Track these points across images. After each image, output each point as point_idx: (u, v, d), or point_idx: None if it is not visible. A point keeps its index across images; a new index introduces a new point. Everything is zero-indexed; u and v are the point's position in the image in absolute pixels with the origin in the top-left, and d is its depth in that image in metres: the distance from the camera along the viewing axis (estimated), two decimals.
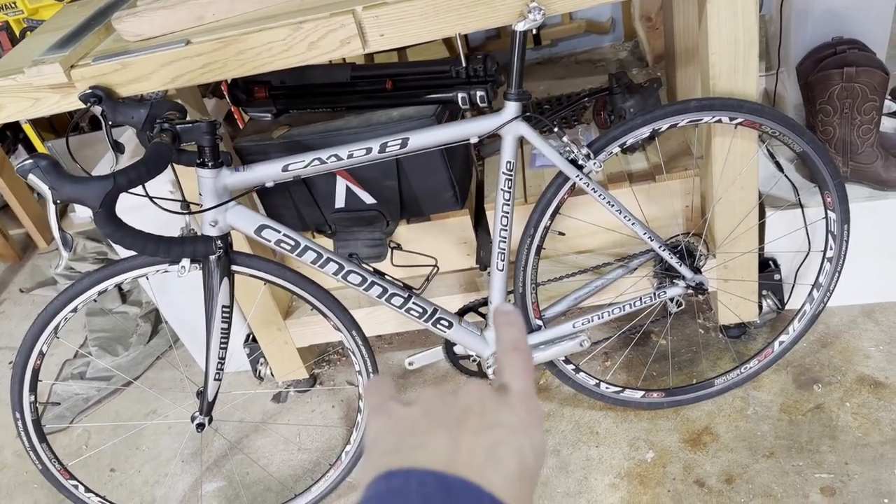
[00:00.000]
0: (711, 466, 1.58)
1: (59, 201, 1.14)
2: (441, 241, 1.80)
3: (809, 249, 1.71)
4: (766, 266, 1.76)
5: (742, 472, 1.56)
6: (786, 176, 1.76)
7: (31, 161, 1.13)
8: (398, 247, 1.77)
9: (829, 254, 1.59)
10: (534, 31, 1.31)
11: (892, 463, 1.50)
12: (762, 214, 1.70)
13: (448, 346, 1.60)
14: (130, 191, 1.19)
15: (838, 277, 1.60)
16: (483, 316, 1.60)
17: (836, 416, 1.61)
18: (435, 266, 1.66)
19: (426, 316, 1.49)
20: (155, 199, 1.31)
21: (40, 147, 3.03)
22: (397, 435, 0.41)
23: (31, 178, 1.13)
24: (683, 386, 1.72)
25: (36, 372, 1.50)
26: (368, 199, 1.70)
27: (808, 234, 1.70)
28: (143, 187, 1.24)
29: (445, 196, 1.70)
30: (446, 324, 1.51)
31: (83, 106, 1.33)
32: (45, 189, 1.13)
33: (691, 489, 1.55)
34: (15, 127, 3.19)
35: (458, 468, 0.37)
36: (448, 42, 2.73)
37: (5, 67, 1.43)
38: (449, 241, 1.80)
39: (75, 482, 1.64)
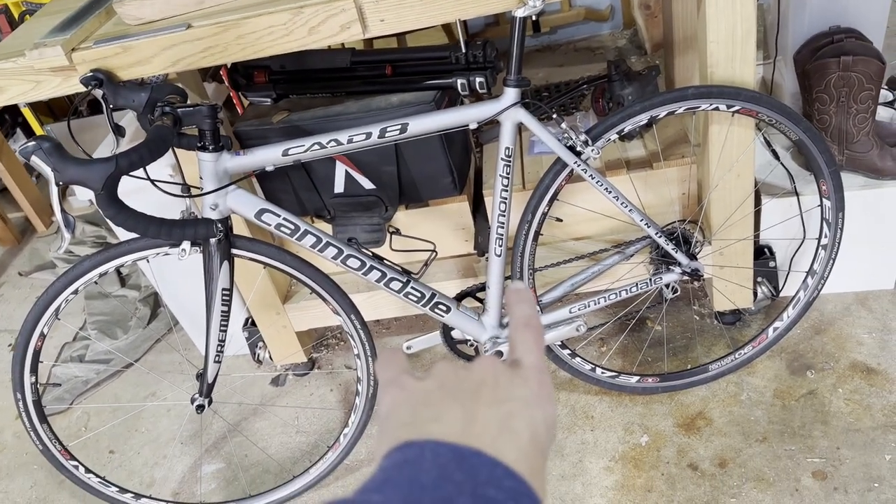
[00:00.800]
0: (705, 450, 1.61)
1: (61, 183, 1.15)
2: (439, 226, 1.81)
3: (804, 237, 1.73)
4: (762, 253, 1.78)
5: (735, 457, 1.58)
6: (782, 164, 1.78)
7: (33, 143, 1.14)
8: (397, 232, 1.78)
9: (824, 241, 1.60)
10: (533, 18, 1.32)
11: (882, 448, 1.52)
12: (758, 202, 1.71)
13: (446, 330, 1.62)
14: (132, 174, 1.20)
15: (832, 265, 1.62)
16: (481, 301, 1.61)
17: (828, 402, 1.64)
18: (433, 251, 1.67)
19: (424, 300, 1.50)
20: (156, 182, 1.32)
21: (39, 131, 3.03)
22: (411, 407, 0.41)
23: (34, 159, 1.13)
24: (678, 371, 1.74)
25: (37, 353, 1.51)
26: (367, 184, 1.71)
27: (803, 221, 1.71)
28: (145, 170, 1.25)
29: (444, 182, 1.71)
30: (444, 308, 1.52)
31: (84, 89, 1.34)
32: (47, 171, 1.14)
33: (685, 473, 1.57)
34: (13, 111, 3.19)
35: (472, 439, 0.37)
36: (447, 28, 2.73)
37: (6, 50, 1.43)
38: (447, 227, 1.82)
39: (75, 463, 1.66)
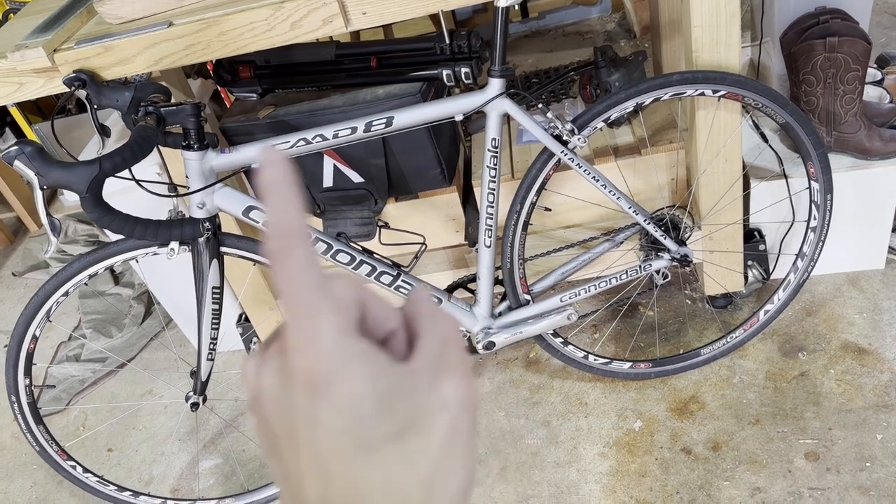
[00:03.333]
0: (698, 434, 1.62)
1: (45, 187, 1.15)
2: (429, 218, 1.81)
3: (794, 220, 1.73)
4: (751, 237, 1.78)
5: (728, 440, 1.59)
6: (770, 147, 1.78)
7: (16, 147, 1.13)
8: (386, 225, 1.78)
9: (813, 223, 1.61)
10: (515, 7, 1.31)
11: (874, 428, 1.53)
12: (746, 185, 1.72)
13: None
14: (117, 175, 1.19)
15: (822, 247, 1.62)
16: (472, 292, 1.61)
17: (820, 383, 1.64)
18: (423, 243, 1.67)
19: None
20: (142, 183, 1.32)
21: (28, 130, 3.02)
22: (264, 451, 0.31)
23: (17, 164, 1.13)
24: (670, 356, 1.74)
25: (30, 355, 1.51)
26: (356, 177, 1.71)
27: (792, 204, 1.72)
28: (130, 171, 1.24)
29: (433, 173, 1.71)
30: (436, 301, 1.53)
31: (68, 90, 1.33)
32: (31, 175, 1.14)
33: (678, 457, 1.58)
34: (1, 111, 3.17)
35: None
36: (435, 17, 2.72)
37: None
38: (437, 219, 1.82)
39: (73, 463, 1.66)
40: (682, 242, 1.59)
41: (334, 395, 0.26)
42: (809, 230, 1.62)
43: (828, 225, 1.59)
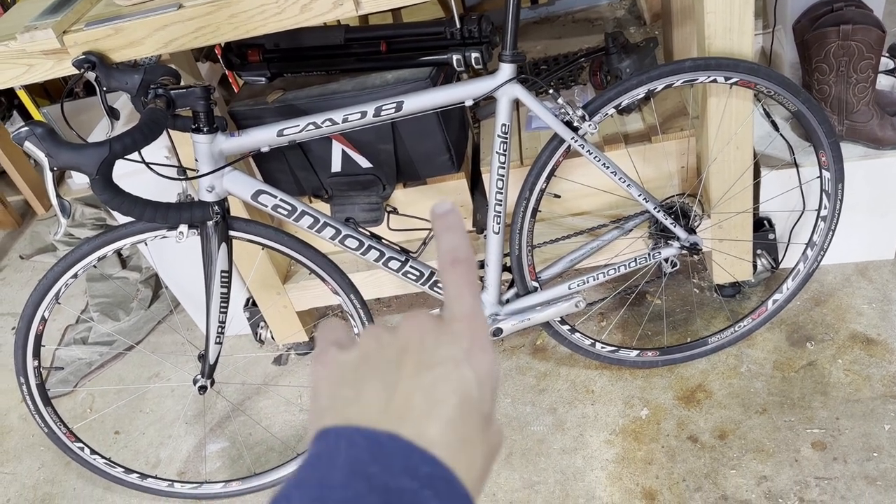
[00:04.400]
0: (705, 423, 1.62)
1: (55, 168, 1.15)
2: None
3: (804, 209, 1.72)
4: (761, 226, 1.78)
5: (735, 428, 1.59)
6: (781, 135, 1.76)
7: (26, 128, 1.13)
8: (395, 211, 1.78)
9: (824, 213, 1.60)
10: None
11: (882, 418, 1.53)
12: (757, 174, 1.71)
13: None
14: (127, 157, 1.19)
15: (832, 236, 1.62)
16: (480, 279, 1.61)
17: (828, 373, 1.64)
18: (431, 229, 1.67)
19: (423, 279, 1.50)
20: (151, 165, 1.32)
21: (35, 113, 3.02)
22: (332, 387, 0.38)
23: (28, 145, 1.13)
24: (678, 345, 1.74)
25: (39, 337, 1.52)
26: (365, 163, 1.70)
27: (802, 193, 1.71)
28: (139, 153, 1.24)
29: (441, 159, 1.70)
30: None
31: (77, 72, 1.33)
32: (41, 156, 1.14)
33: (685, 445, 1.59)
34: (9, 93, 3.17)
35: (392, 421, 0.35)
36: (444, 2, 2.70)
37: None
38: None
39: (81, 444, 1.67)
40: (691, 231, 1.59)
41: (475, 360, 0.38)
42: (820, 219, 1.61)
43: (838, 214, 1.59)
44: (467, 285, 0.40)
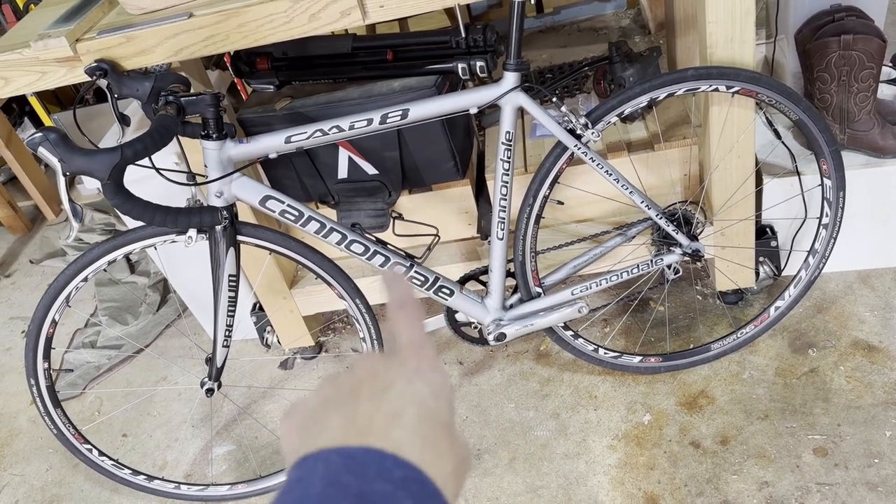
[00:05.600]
0: (707, 428, 1.63)
1: (68, 173, 1.17)
2: (442, 210, 1.83)
3: (806, 216, 1.74)
4: (763, 233, 1.79)
5: (737, 434, 1.60)
6: (783, 143, 1.78)
7: (40, 134, 1.16)
8: (400, 217, 1.80)
9: (825, 221, 1.61)
10: (532, 1, 1.32)
11: (883, 424, 1.54)
12: (759, 182, 1.72)
13: (450, 313, 1.64)
14: (137, 162, 1.22)
15: (834, 244, 1.63)
16: (484, 284, 1.63)
17: (829, 380, 1.65)
18: (436, 235, 1.69)
19: (428, 284, 1.52)
20: (161, 171, 1.34)
21: (46, 120, 3.06)
22: (301, 428, 0.41)
23: (41, 150, 1.16)
24: (681, 351, 1.75)
25: (49, 339, 1.54)
26: (370, 169, 1.73)
27: (804, 201, 1.72)
28: (150, 159, 1.27)
29: (446, 166, 1.72)
30: (448, 292, 1.54)
31: (89, 79, 1.36)
32: (54, 161, 1.16)
33: (687, 450, 1.60)
34: (21, 100, 3.21)
35: (360, 437, 0.38)
36: (450, 11, 2.73)
37: (11, 41, 1.45)
38: (450, 211, 1.83)
39: (89, 446, 1.69)
40: (693, 238, 1.60)
41: (425, 376, 0.43)
42: (821, 227, 1.62)
43: (840, 222, 1.60)
44: (413, 321, 0.46)
